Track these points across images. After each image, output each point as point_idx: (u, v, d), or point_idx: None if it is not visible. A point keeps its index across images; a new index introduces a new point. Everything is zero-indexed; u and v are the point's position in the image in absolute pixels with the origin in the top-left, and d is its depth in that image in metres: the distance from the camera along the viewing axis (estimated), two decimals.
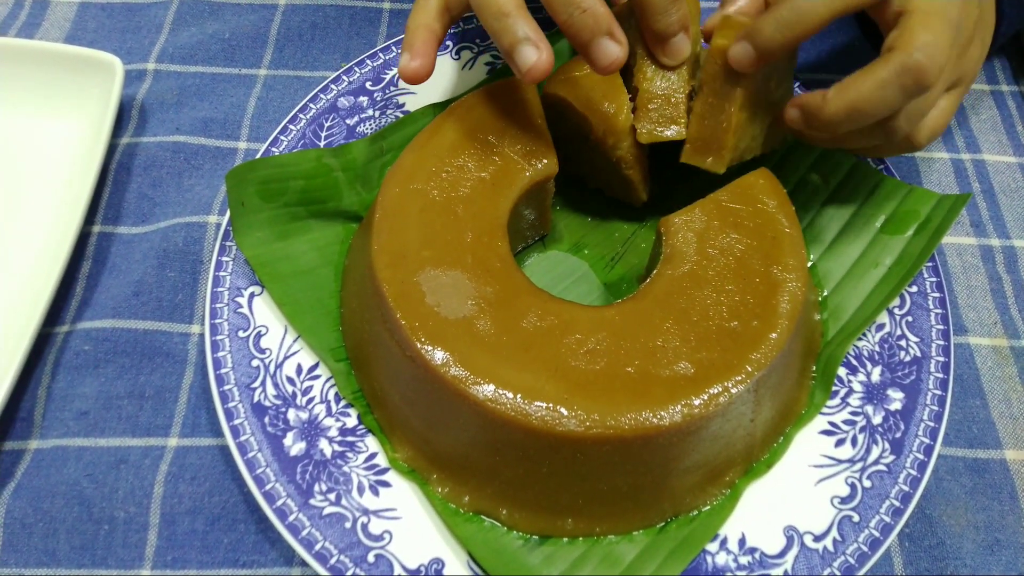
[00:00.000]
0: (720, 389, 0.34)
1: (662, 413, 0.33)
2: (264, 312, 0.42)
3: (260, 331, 0.41)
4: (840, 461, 0.38)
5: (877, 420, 0.39)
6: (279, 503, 0.36)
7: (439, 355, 0.34)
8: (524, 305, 0.36)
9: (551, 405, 0.33)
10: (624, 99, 0.41)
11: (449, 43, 0.52)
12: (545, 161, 0.41)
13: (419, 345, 0.34)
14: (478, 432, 0.35)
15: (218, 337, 0.41)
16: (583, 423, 0.33)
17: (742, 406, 0.35)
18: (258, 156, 0.46)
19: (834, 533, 0.36)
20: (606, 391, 0.33)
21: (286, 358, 0.41)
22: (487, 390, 0.33)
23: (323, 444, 0.38)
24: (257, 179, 0.42)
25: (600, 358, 0.35)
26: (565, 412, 0.33)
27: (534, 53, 0.36)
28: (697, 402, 0.33)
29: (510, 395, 0.33)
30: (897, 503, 0.37)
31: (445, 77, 0.50)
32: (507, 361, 0.34)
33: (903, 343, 0.41)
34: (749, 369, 0.34)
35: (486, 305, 0.36)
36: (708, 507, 0.37)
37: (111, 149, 0.50)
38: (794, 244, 0.39)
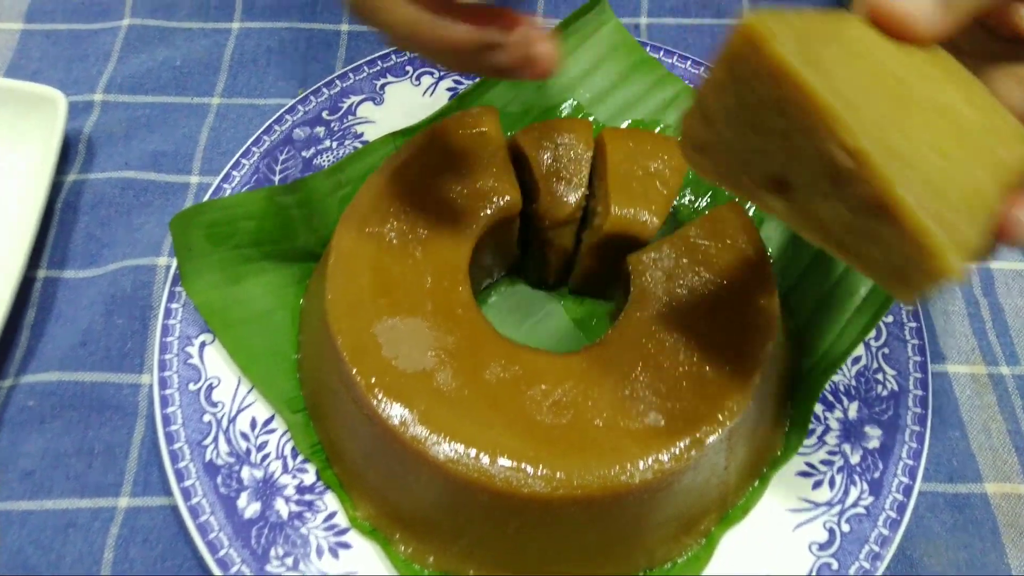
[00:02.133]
0: (691, 442, 0.32)
1: (632, 470, 0.31)
2: (216, 362, 0.40)
3: (212, 383, 0.39)
4: (818, 505, 0.37)
5: (855, 459, 0.38)
6: (234, 570, 0.34)
7: (397, 413, 0.33)
8: (487, 354, 0.35)
9: (516, 464, 0.31)
10: (582, 188, 0.40)
11: (409, 68, 0.50)
12: (508, 198, 0.39)
13: (375, 403, 0.33)
14: (441, 492, 0.33)
15: (167, 391, 0.39)
16: (550, 483, 0.31)
17: (715, 456, 0.34)
18: (209, 192, 0.44)
19: None
20: (573, 447, 0.32)
21: (239, 411, 0.39)
22: (448, 450, 0.32)
23: (279, 504, 0.36)
24: (204, 223, 0.40)
25: (566, 410, 0.33)
26: (531, 471, 0.31)
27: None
28: (668, 457, 0.32)
29: (472, 454, 0.32)
30: (876, 548, 0.36)
31: (405, 104, 0.49)
32: (469, 417, 0.33)
33: (880, 376, 0.40)
34: (721, 418, 0.33)
35: (446, 356, 0.34)
36: (683, 558, 0.36)
37: (56, 187, 0.48)
38: (764, 280, 0.37)
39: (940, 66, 0.27)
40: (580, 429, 0.32)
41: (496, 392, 0.33)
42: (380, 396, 0.33)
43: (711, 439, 0.32)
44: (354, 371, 0.33)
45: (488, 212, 0.39)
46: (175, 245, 0.39)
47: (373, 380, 0.33)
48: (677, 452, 0.32)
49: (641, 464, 0.32)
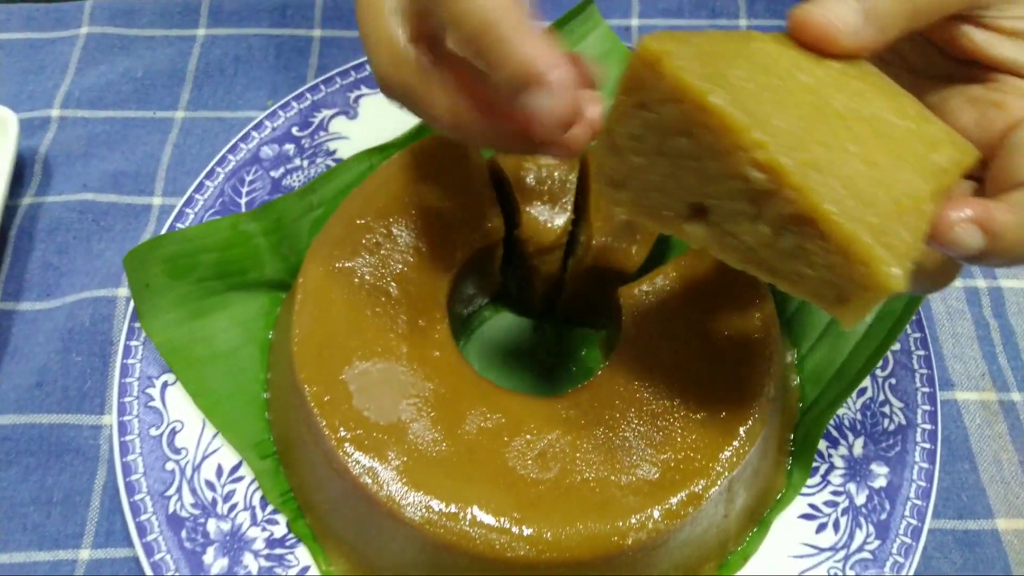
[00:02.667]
0: (688, 497, 0.30)
1: (624, 530, 0.29)
2: (179, 404, 0.37)
3: (175, 427, 0.37)
4: (822, 549, 0.35)
5: (860, 500, 0.36)
6: None
7: (369, 470, 0.30)
8: (466, 402, 0.32)
9: (498, 525, 0.29)
10: (567, 213, 0.37)
11: None
12: (489, 225, 0.37)
13: (345, 458, 0.30)
14: (418, 553, 0.31)
15: (127, 437, 0.36)
16: (535, 546, 0.29)
17: (714, 508, 0.31)
18: (171, 217, 0.41)
19: None
20: (560, 506, 0.30)
21: (204, 458, 0.36)
22: (424, 510, 0.29)
23: (248, 559, 0.34)
24: (162, 257, 0.37)
25: (553, 463, 0.31)
26: (515, 532, 0.29)
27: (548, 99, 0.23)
28: (662, 515, 0.30)
29: (451, 515, 0.29)
30: None
31: (381, 118, 0.46)
32: (447, 473, 0.30)
33: (886, 409, 0.38)
34: (720, 469, 0.31)
35: (423, 404, 0.32)
36: None
37: (10, 211, 0.45)
38: (764, 311, 0.35)
39: (865, 79, 0.25)
40: (567, 485, 0.30)
41: (476, 444, 0.31)
42: (351, 451, 0.30)
43: (710, 493, 0.30)
44: (323, 424, 0.31)
45: (468, 241, 0.36)
46: (130, 283, 0.37)
47: (344, 434, 0.31)
48: (673, 508, 0.30)
49: (634, 520, 0.29)
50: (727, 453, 0.31)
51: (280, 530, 0.35)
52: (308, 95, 0.46)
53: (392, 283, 0.35)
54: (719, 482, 0.30)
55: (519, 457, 0.31)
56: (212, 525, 0.35)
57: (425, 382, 0.32)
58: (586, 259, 0.36)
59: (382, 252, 0.35)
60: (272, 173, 0.44)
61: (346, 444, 0.30)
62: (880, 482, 0.36)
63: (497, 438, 0.31)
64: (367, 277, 0.35)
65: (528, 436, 0.31)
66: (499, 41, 0.23)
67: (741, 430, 0.31)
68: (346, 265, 0.35)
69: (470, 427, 0.31)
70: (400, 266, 0.35)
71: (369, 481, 0.30)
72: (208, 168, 0.43)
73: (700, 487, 0.30)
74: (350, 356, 0.33)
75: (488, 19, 0.23)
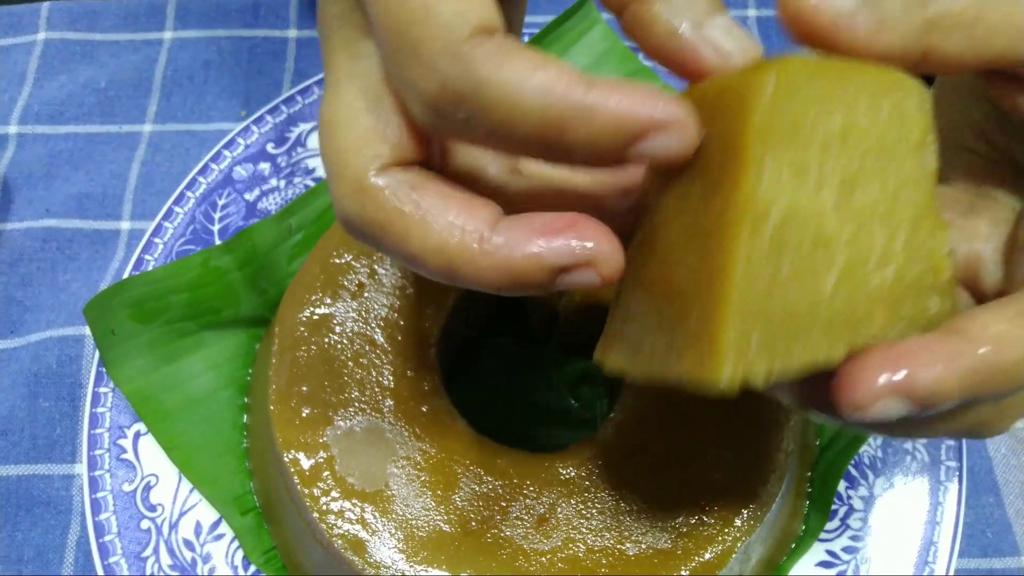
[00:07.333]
0: (702, 566, 0.28)
1: None
2: (153, 455, 0.35)
3: (149, 481, 0.34)
4: None
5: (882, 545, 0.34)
6: None
7: (355, 544, 0.28)
8: (459, 463, 0.30)
9: None
10: None
11: None
12: None
13: (329, 532, 0.28)
14: None
15: (99, 494, 0.34)
16: None
17: (728, 571, 0.29)
18: (139, 248, 0.38)
19: None
20: None
21: (182, 515, 0.34)
22: None
23: None
24: (127, 302, 0.34)
25: (555, 531, 0.28)
26: None
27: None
28: None
29: None
30: None
31: None
32: (440, 546, 0.28)
33: (909, 446, 0.36)
34: (737, 535, 0.28)
35: (412, 468, 0.29)
36: None
37: None
38: None
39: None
40: (572, 556, 0.28)
41: (471, 512, 0.29)
42: (335, 523, 0.28)
43: (727, 561, 0.28)
44: (305, 494, 0.29)
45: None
46: (93, 332, 0.34)
47: (327, 505, 0.28)
48: None
49: None
50: (744, 515, 0.29)
51: None
52: (283, 107, 0.42)
53: (377, 329, 0.32)
54: (736, 547, 0.28)
55: (518, 525, 0.28)
56: None
57: (414, 442, 0.30)
58: (575, 297, 0.34)
59: (366, 295, 0.32)
60: (246, 196, 0.40)
61: (329, 516, 0.28)
62: (902, 526, 0.34)
63: (493, 504, 0.29)
64: (349, 324, 0.32)
65: (527, 500, 0.29)
66: (579, 108, 0.18)
67: (759, 490, 0.29)
68: (326, 311, 0.32)
69: (464, 492, 0.29)
70: (386, 310, 0.32)
71: (356, 559, 0.27)
72: (177, 192, 0.40)
73: (716, 555, 0.28)
74: (332, 416, 0.30)
75: (555, 89, 0.18)
